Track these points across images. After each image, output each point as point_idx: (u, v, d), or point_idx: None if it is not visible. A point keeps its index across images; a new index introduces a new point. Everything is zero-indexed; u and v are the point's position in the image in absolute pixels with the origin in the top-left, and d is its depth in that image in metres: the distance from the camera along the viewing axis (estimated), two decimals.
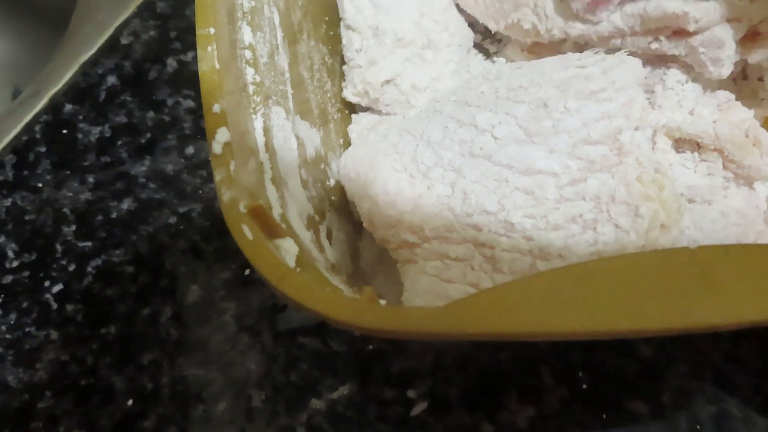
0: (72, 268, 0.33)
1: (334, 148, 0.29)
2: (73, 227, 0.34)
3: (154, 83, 0.38)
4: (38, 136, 0.37)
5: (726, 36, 0.25)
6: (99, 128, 0.37)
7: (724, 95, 0.26)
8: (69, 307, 0.32)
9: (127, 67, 0.38)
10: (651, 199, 0.21)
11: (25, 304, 0.32)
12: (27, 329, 0.32)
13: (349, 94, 0.31)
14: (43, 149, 0.36)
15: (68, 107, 0.37)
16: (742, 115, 0.24)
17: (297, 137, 0.25)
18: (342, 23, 0.31)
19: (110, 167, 0.35)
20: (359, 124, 0.31)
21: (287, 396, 0.29)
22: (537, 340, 0.27)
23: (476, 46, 0.33)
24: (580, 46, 0.28)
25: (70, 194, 0.35)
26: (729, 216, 0.24)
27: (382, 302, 0.17)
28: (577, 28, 0.26)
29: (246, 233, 0.17)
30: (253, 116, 0.21)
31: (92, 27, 0.39)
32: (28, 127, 0.37)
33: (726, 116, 0.24)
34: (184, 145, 0.36)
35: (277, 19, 0.26)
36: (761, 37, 0.26)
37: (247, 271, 0.32)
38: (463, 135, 0.23)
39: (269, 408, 0.29)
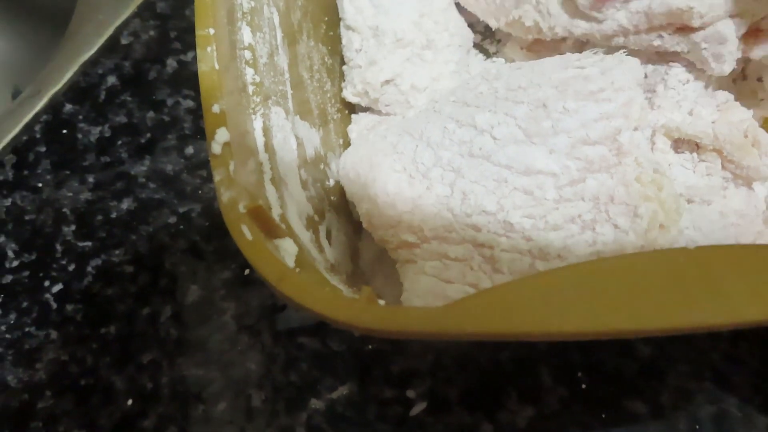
0: (72, 267, 0.33)
1: (333, 148, 0.29)
2: (73, 227, 0.34)
3: (154, 83, 0.38)
4: (38, 135, 0.37)
5: (728, 32, 0.25)
6: (99, 128, 0.37)
7: (723, 95, 0.26)
8: (69, 307, 0.32)
9: (127, 67, 0.38)
10: (650, 199, 0.21)
11: (25, 304, 0.32)
12: (27, 329, 0.32)
13: (349, 95, 0.31)
14: (43, 149, 0.36)
15: (68, 107, 0.37)
16: (741, 116, 0.24)
17: (296, 137, 0.25)
18: (342, 23, 0.31)
19: (110, 167, 0.35)
20: (359, 124, 0.31)
21: (287, 396, 0.29)
22: (536, 340, 0.27)
23: (476, 46, 0.33)
24: (581, 44, 0.28)
25: (70, 194, 0.35)
26: (728, 216, 0.24)
27: (381, 302, 0.17)
28: (581, 26, 0.26)
29: (245, 233, 0.17)
30: (253, 116, 0.21)
31: (92, 27, 0.39)
32: (28, 127, 0.37)
33: (725, 116, 0.24)
34: (184, 145, 0.36)
35: (276, 20, 0.26)
36: (763, 34, 0.26)
37: (246, 271, 0.32)
38: (463, 135, 0.23)
39: (269, 408, 0.29)
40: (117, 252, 0.33)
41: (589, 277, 0.16)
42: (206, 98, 0.19)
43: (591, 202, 0.21)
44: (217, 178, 0.18)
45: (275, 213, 0.20)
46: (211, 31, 0.20)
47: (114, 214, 0.34)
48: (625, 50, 0.25)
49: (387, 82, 0.30)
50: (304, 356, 0.30)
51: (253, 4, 0.23)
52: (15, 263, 0.33)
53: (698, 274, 0.16)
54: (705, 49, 0.25)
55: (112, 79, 0.38)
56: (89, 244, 0.33)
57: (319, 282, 0.19)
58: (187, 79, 0.38)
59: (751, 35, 0.26)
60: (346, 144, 0.30)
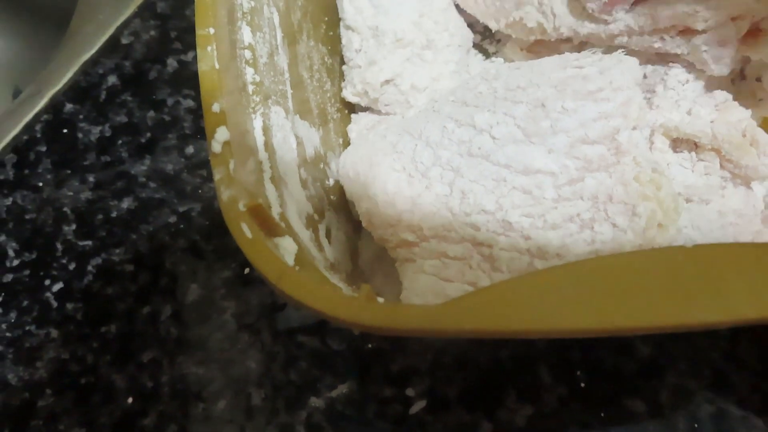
0: (72, 266, 0.33)
1: (333, 147, 0.29)
2: (74, 226, 0.34)
3: (154, 83, 0.38)
4: (39, 135, 0.37)
5: (729, 34, 0.25)
6: (99, 128, 0.37)
7: (722, 95, 0.26)
8: (69, 306, 0.32)
9: (127, 66, 0.38)
10: (648, 198, 0.21)
11: (25, 303, 0.32)
12: (27, 328, 0.32)
13: (349, 94, 0.31)
14: (43, 148, 0.36)
15: (69, 107, 0.37)
16: (740, 115, 0.24)
17: (296, 137, 0.25)
18: (341, 23, 0.31)
19: (110, 166, 0.36)
20: (359, 123, 0.31)
21: (287, 394, 0.29)
22: (535, 337, 0.27)
23: (476, 46, 0.33)
24: (581, 44, 0.28)
25: (71, 193, 0.35)
26: (726, 215, 0.24)
27: (380, 300, 0.17)
28: (587, 27, 0.26)
29: (245, 232, 0.18)
30: (253, 116, 0.22)
31: (93, 27, 0.39)
32: (29, 127, 0.37)
33: (723, 116, 0.24)
34: (184, 144, 0.36)
35: (276, 20, 0.26)
36: (763, 34, 0.26)
37: (246, 270, 0.32)
38: (462, 135, 0.23)
39: (269, 406, 0.29)
40: (117, 251, 0.33)
41: (587, 275, 0.16)
42: (206, 97, 0.19)
43: (590, 201, 0.21)
44: (217, 176, 0.18)
45: (275, 212, 0.20)
46: (211, 30, 0.20)
47: (114, 213, 0.34)
48: (623, 50, 0.25)
49: (387, 82, 0.30)
50: (303, 355, 0.30)
51: (253, 4, 0.24)
52: (15, 262, 0.33)
53: (696, 272, 0.16)
54: (705, 51, 0.25)
55: (112, 79, 0.38)
56: (90, 243, 0.33)
57: (319, 280, 0.19)
58: (188, 78, 0.38)
59: (751, 35, 0.26)
60: (346, 143, 0.31)
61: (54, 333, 0.31)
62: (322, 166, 0.27)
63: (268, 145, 0.22)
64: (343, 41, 0.31)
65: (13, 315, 0.32)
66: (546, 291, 0.16)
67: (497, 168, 0.22)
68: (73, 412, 0.30)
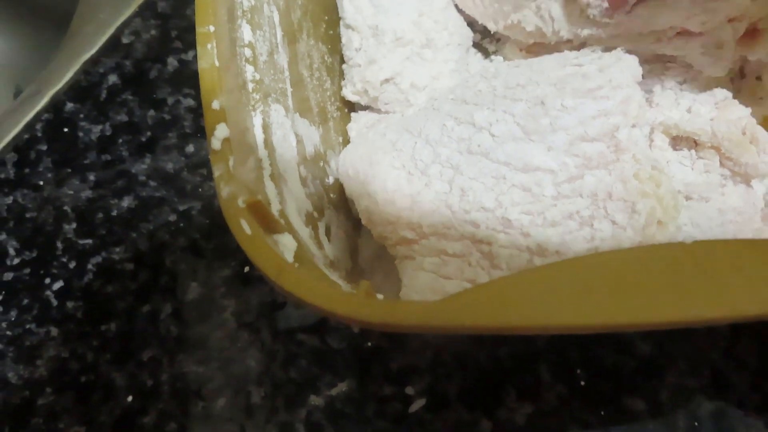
0: (72, 265, 0.33)
1: (333, 146, 0.29)
2: (74, 225, 0.34)
3: (154, 82, 0.38)
4: (39, 134, 0.37)
5: (726, 36, 0.25)
6: (100, 127, 0.37)
7: (722, 93, 0.26)
8: (69, 305, 0.32)
9: (128, 66, 0.38)
10: (648, 195, 0.21)
11: (25, 301, 0.32)
12: (27, 326, 0.32)
13: (349, 93, 0.31)
14: (44, 147, 0.36)
15: (69, 106, 0.37)
16: (740, 113, 0.24)
17: (296, 135, 0.25)
18: (341, 22, 0.31)
19: (111, 165, 0.36)
20: (358, 122, 0.31)
21: (286, 393, 0.29)
22: (534, 333, 0.27)
23: (475, 45, 0.33)
24: (580, 45, 0.28)
25: (71, 192, 0.35)
26: (726, 213, 0.24)
27: (380, 296, 0.17)
28: (586, 30, 0.26)
29: (244, 228, 0.18)
30: (252, 113, 0.22)
31: (93, 26, 0.39)
32: (30, 126, 0.37)
33: (723, 114, 0.24)
34: (185, 143, 0.36)
35: (276, 18, 0.26)
36: (760, 34, 0.26)
37: (246, 269, 0.32)
38: (461, 132, 0.23)
39: (268, 404, 0.29)
40: (117, 250, 0.33)
41: (586, 271, 0.16)
42: (206, 94, 0.19)
43: (589, 199, 0.21)
44: (216, 173, 0.18)
45: (274, 209, 0.20)
46: (212, 28, 0.20)
47: (114, 212, 0.34)
48: (623, 48, 0.25)
49: (386, 80, 0.30)
50: (303, 353, 0.30)
51: (253, 2, 0.24)
52: (16, 261, 0.33)
53: (695, 268, 0.16)
54: (702, 53, 0.25)
55: (113, 78, 0.38)
56: (90, 241, 0.34)
57: (318, 277, 0.19)
58: (188, 78, 0.38)
59: (748, 36, 0.26)
60: (346, 142, 0.31)
61: (54, 331, 0.31)
62: (321, 164, 0.27)
63: (268, 143, 0.22)
64: (343, 40, 0.31)
65: (13, 313, 0.32)
66: (545, 287, 0.16)
67: (496, 165, 0.22)
68: (73, 411, 0.30)
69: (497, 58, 0.32)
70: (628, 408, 0.28)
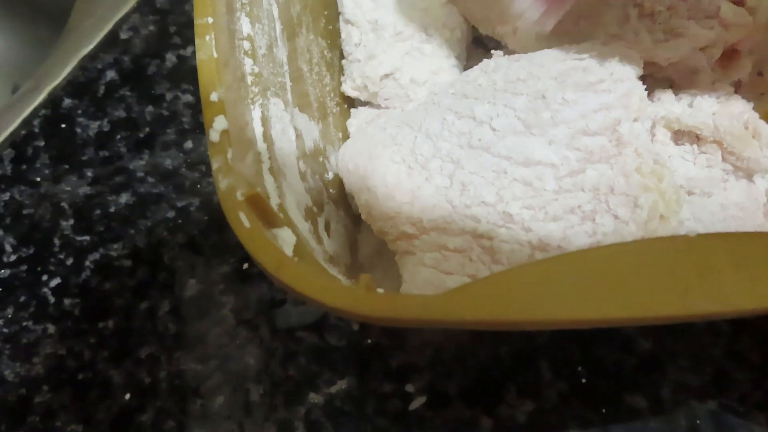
0: (70, 262, 0.33)
1: (332, 141, 0.29)
2: (72, 221, 0.34)
3: (153, 78, 0.38)
4: (37, 130, 0.37)
5: (699, 62, 0.25)
6: (98, 123, 0.37)
7: (724, 88, 0.26)
8: (67, 302, 0.32)
9: (126, 61, 0.38)
10: (650, 189, 0.21)
11: (22, 298, 0.32)
12: (24, 323, 0.31)
13: (348, 89, 0.31)
14: (41, 143, 0.36)
15: (67, 102, 0.37)
16: (742, 107, 0.24)
17: (295, 129, 0.25)
18: (341, 17, 0.31)
19: (109, 162, 0.35)
20: (358, 118, 0.31)
21: (285, 390, 0.29)
22: (535, 328, 0.27)
23: (476, 40, 0.33)
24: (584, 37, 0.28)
25: (69, 188, 0.35)
26: (728, 208, 0.24)
27: (380, 290, 0.17)
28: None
29: (243, 221, 0.17)
30: (251, 106, 0.21)
31: (91, 22, 0.39)
32: (27, 122, 0.37)
33: (725, 108, 0.24)
34: (183, 139, 0.36)
35: (276, 12, 0.26)
36: (739, 56, 0.26)
37: (245, 266, 0.32)
38: (462, 127, 0.23)
39: (267, 402, 0.29)
40: (115, 246, 0.33)
41: (588, 265, 0.16)
42: (204, 87, 0.19)
43: (591, 193, 0.21)
44: (215, 165, 0.18)
45: (273, 202, 0.20)
46: (210, 20, 0.20)
47: (112, 208, 0.34)
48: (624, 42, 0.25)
49: (386, 76, 0.29)
50: (302, 350, 0.30)
51: None
52: (13, 257, 0.33)
53: (697, 261, 0.16)
54: (679, 77, 0.25)
55: (111, 74, 0.38)
56: (87, 238, 0.33)
57: (318, 271, 0.19)
58: (187, 73, 0.38)
59: (726, 57, 0.26)
60: (345, 137, 0.30)
61: (51, 329, 0.31)
62: (321, 159, 0.27)
63: (267, 136, 0.22)
64: (343, 35, 0.31)
65: (10, 310, 0.32)
66: (545, 280, 0.16)
67: (497, 159, 0.22)
68: (70, 408, 0.29)
69: (497, 53, 0.32)
70: (629, 405, 0.28)
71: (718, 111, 0.24)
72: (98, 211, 0.34)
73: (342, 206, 0.28)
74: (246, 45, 0.22)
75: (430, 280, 0.22)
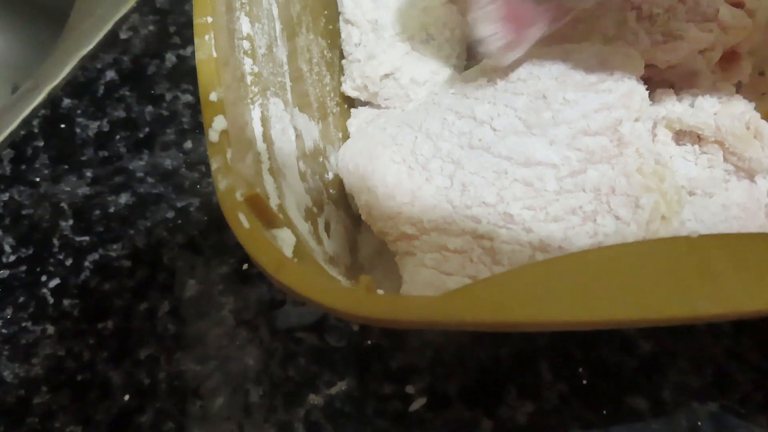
0: (69, 262, 0.33)
1: (332, 141, 0.29)
2: (71, 222, 0.34)
3: (152, 78, 0.38)
4: (36, 130, 0.36)
5: (699, 65, 0.25)
6: (97, 123, 0.36)
7: (725, 88, 0.25)
8: (66, 302, 0.32)
9: (125, 61, 0.38)
10: (651, 190, 0.21)
11: (21, 299, 0.32)
12: (23, 324, 0.31)
13: (348, 89, 0.30)
14: (41, 144, 0.36)
15: (66, 102, 0.37)
16: (743, 107, 0.24)
17: (295, 129, 0.25)
18: (341, 17, 0.31)
19: (108, 162, 0.35)
20: (358, 118, 0.31)
21: (285, 391, 0.29)
22: (535, 329, 0.26)
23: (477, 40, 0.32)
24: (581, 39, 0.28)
25: (68, 189, 0.35)
26: (730, 209, 0.23)
27: (380, 292, 0.17)
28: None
29: (243, 222, 0.17)
30: (251, 106, 0.21)
31: (91, 22, 0.39)
32: (26, 122, 0.36)
33: (727, 108, 0.24)
34: (183, 139, 0.36)
35: (275, 12, 0.25)
36: (739, 58, 0.26)
37: (245, 266, 0.32)
38: (462, 127, 0.23)
39: (267, 403, 0.29)
40: (115, 247, 0.33)
41: (588, 266, 0.16)
42: (204, 86, 0.19)
43: (592, 193, 0.21)
44: (214, 166, 0.18)
45: (273, 203, 0.20)
46: (209, 19, 0.20)
47: (112, 208, 0.34)
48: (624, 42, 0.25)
49: (386, 76, 0.29)
50: (302, 351, 0.30)
51: None
52: (12, 258, 0.33)
53: (698, 263, 0.16)
54: (679, 79, 0.25)
55: (110, 74, 0.38)
56: (87, 238, 0.33)
57: (317, 272, 0.19)
58: (186, 73, 0.38)
59: (726, 59, 0.26)
60: (346, 138, 0.30)
61: (50, 329, 0.31)
62: (321, 159, 0.27)
63: (267, 136, 0.22)
64: (343, 35, 0.31)
65: (9, 311, 0.32)
66: (546, 282, 0.16)
67: (498, 160, 0.21)
68: (69, 409, 0.29)
69: None
70: (629, 407, 0.28)
71: (720, 111, 0.24)
72: (98, 212, 0.34)
73: (342, 206, 0.27)
74: (246, 44, 0.22)
75: (431, 281, 0.22)
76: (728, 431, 0.27)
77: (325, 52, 0.30)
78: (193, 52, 0.38)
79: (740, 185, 0.24)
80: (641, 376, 0.28)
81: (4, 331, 0.31)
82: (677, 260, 0.16)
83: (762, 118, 0.25)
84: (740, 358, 0.28)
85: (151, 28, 0.39)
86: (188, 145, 0.35)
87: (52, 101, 0.37)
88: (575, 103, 0.21)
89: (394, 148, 0.24)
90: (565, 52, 0.23)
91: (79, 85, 0.37)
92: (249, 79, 0.22)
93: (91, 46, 0.38)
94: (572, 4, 0.21)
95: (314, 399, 0.29)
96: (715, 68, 0.26)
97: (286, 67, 0.25)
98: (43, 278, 0.32)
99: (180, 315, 0.31)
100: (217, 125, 0.18)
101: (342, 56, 0.31)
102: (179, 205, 0.34)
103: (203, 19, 0.20)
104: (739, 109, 0.24)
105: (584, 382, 0.28)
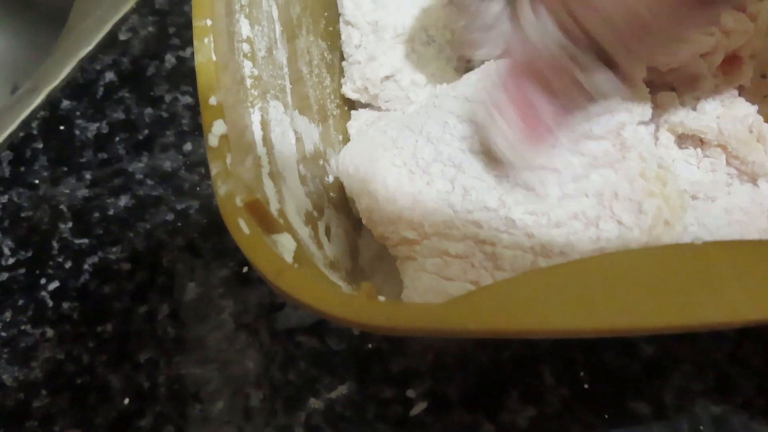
0: (68, 265, 0.33)
1: (333, 144, 0.29)
2: (70, 224, 0.34)
3: (152, 79, 0.37)
4: (35, 132, 0.36)
5: (700, 69, 0.25)
6: (96, 124, 0.36)
7: (728, 90, 0.25)
8: (65, 305, 0.32)
9: (125, 63, 0.38)
10: (654, 195, 0.21)
11: (20, 302, 0.32)
12: (22, 327, 0.31)
13: (349, 91, 0.30)
14: (40, 145, 0.36)
15: (66, 103, 0.37)
16: (746, 110, 0.24)
17: (295, 132, 0.25)
18: (341, 19, 0.31)
19: (107, 164, 0.35)
20: (358, 120, 0.31)
21: (285, 395, 0.29)
22: (537, 337, 0.26)
23: None
24: None
25: (67, 191, 0.35)
26: (732, 213, 0.23)
27: (381, 299, 0.17)
28: None
29: (243, 228, 0.17)
30: (251, 110, 0.21)
31: (90, 23, 0.39)
32: (25, 123, 0.36)
33: (729, 112, 0.24)
34: (182, 141, 0.35)
35: (275, 14, 0.25)
36: (741, 61, 0.26)
37: (245, 269, 0.31)
38: (463, 131, 0.23)
39: (267, 407, 0.29)
40: (114, 249, 0.33)
41: (591, 274, 0.16)
42: (203, 90, 0.19)
43: (595, 198, 0.21)
44: (214, 171, 0.18)
45: (273, 208, 0.20)
46: (209, 22, 0.20)
47: (111, 211, 0.34)
48: None
49: (387, 77, 0.29)
50: (302, 355, 0.29)
51: None
52: (11, 261, 0.33)
53: (702, 270, 0.16)
54: (681, 83, 0.25)
55: (110, 75, 0.38)
56: (86, 241, 0.33)
57: (318, 278, 0.18)
58: (186, 75, 0.37)
59: (727, 62, 0.26)
60: (346, 140, 0.30)
61: (49, 332, 0.31)
62: (321, 162, 0.27)
63: (267, 140, 0.21)
64: (343, 37, 0.31)
65: (8, 314, 0.32)
66: (548, 290, 0.16)
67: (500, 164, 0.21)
68: (68, 413, 0.29)
69: None
70: (632, 411, 0.28)
71: (722, 114, 0.24)
72: (97, 214, 0.34)
73: (342, 210, 0.27)
74: (245, 47, 0.22)
75: (432, 286, 0.22)
76: None
77: (325, 54, 0.30)
78: (192, 54, 0.38)
79: (743, 189, 0.24)
80: (643, 381, 0.28)
81: (3, 334, 0.31)
82: (681, 268, 0.16)
83: (765, 121, 0.24)
84: (743, 363, 0.28)
85: (150, 29, 0.39)
86: (188, 147, 0.35)
87: (51, 103, 0.37)
88: None
89: (394, 152, 0.23)
90: None
91: (78, 87, 0.37)
92: (249, 82, 0.22)
93: (90, 48, 0.38)
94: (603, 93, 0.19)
95: (315, 403, 0.28)
96: (717, 72, 0.26)
97: (286, 70, 0.25)
98: (43, 281, 0.32)
99: (180, 318, 0.31)
100: (216, 130, 0.18)
101: (342, 58, 0.31)
102: (179, 207, 0.34)
103: (202, 21, 0.20)
104: (742, 113, 0.24)
105: (586, 386, 0.28)
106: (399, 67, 0.29)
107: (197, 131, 0.36)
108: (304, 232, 0.21)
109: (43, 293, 0.32)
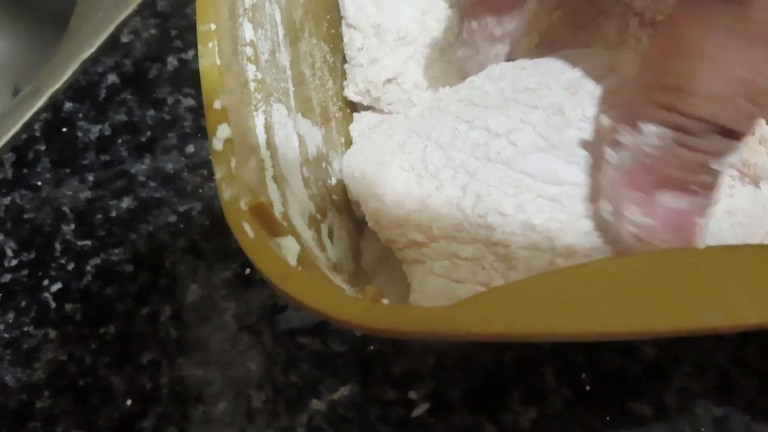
0: (71, 267, 0.33)
1: (335, 146, 0.29)
2: (73, 226, 0.34)
3: (154, 81, 0.37)
4: (38, 134, 0.36)
5: None
6: (99, 126, 0.36)
7: None
8: (68, 307, 0.32)
9: (127, 65, 0.38)
10: None
11: (23, 303, 0.32)
12: (25, 328, 0.31)
13: (351, 93, 0.30)
14: (42, 147, 0.36)
15: (68, 105, 0.37)
16: None
17: (298, 135, 0.25)
18: (343, 21, 0.31)
19: (110, 166, 0.35)
20: (361, 123, 0.31)
21: (288, 396, 0.29)
22: (543, 341, 0.26)
23: None
24: (583, 47, 0.28)
25: (70, 193, 0.35)
26: (734, 215, 0.23)
27: (385, 302, 0.17)
28: None
29: (247, 231, 0.17)
30: (254, 113, 0.21)
31: (92, 25, 0.39)
32: (28, 126, 0.36)
33: None
34: (185, 143, 0.36)
35: (278, 17, 0.25)
36: None
37: (247, 271, 0.32)
38: (477, 138, 0.22)
39: (269, 409, 0.29)
40: (117, 251, 0.33)
41: (597, 278, 0.16)
42: (207, 94, 0.19)
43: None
44: (218, 174, 0.18)
45: (277, 211, 0.20)
46: (213, 26, 0.20)
47: (114, 212, 0.34)
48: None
49: (389, 80, 0.29)
50: (304, 356, 0.29)
51: (254, 0, 0.23)
52: (14, 262, 0.33)
53: (706, 274, 0.16)
54: None
55: (112, 78, 0.38)
56: (89, 243, 0.33)
57: (322, 281, 0.18)
58: (188, 77, 0.37)
59: None
60: (348, 143, 0.30)
61: (52, 334, 0.31)
62: (324, 165, 0.27)
63: (270, 143, 0.21)
64: (345, 39, 0.31)
65: (11, 315, 0.32)
66: (555, 293, 0.16)
67: (521, 176, 0.21)
68: (71, 414, 0.29)
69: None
70: (633, 412, 0.28)
71: None
72: (99, 216, 0.34)
73: (345, 212, 0.27)
74: (249, 51, 0.22)
75: (441, 289, 0.22)
76: None
77: (328, 57, 0.30)
78: (194, 56, 0.38)
79: (745, 191, 0.24)
80: (645, 382, 0.28)
81: (6, 335, 0.31)
82: (684, 272, 0.16)
83: (767, 123, 0.24)
84: (744, 364, 0.28)
85: (152, 31, 0.39)
86: (190, 149, 0.35)
87: (53, 105, 0.37)
88: (594, 120, 0.21)
89: (402, 156, 0.23)
90: (571, 58, 0.23)
91: (80, 89, 0.37)
92: (252, 85, 0.22)
93: (92, 50, 0.38)
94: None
95: (317, 404, 0.29)
96: None
97: (288, 73, 0.25)
98: (45, 282, 0.32)
99: (182, 320, 0.31)
100: (221, 134, 0.18)
101: (344, 60, 0.31)
102: (181, 209, 0.34)
103: (206, 26, 0.20)
104: None
105: (588, 387, 0.28)
106: (401, 69, 0.29)
107: (199, 133, 0.36)
108: (307, 234, 0.21)
109: (46, 295, 0.32)
